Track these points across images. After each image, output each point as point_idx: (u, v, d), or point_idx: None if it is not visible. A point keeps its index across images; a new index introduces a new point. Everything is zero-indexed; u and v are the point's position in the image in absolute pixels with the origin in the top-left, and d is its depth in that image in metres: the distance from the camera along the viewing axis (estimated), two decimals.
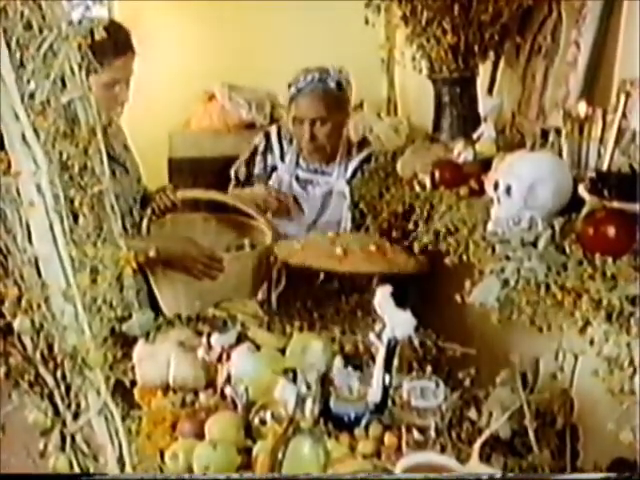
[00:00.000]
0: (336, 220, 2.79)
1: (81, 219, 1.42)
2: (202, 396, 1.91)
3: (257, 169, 2.92)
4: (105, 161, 1.69)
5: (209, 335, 2.04)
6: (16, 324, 1.22)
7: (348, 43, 3.63)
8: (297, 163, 2.84)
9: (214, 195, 2.68)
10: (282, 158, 2.87)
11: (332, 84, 2.74)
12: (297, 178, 2.85)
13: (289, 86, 2.80)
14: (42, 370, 1.24)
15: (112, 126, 2.54)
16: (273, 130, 2.99)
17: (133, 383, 1.92)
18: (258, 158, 2.92)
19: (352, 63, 3.80)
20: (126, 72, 2.41)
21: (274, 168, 2.88)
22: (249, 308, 2.25)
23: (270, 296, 2.56)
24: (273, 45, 3.83)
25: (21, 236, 1.22)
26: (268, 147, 2.91)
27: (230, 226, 2.67)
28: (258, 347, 2.02)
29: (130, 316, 2.06)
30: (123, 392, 1.69)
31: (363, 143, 2.95)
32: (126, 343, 2.03)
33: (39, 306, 1.22)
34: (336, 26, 3.78)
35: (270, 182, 2.88)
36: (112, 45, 2.28)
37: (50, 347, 1.23)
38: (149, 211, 2.52)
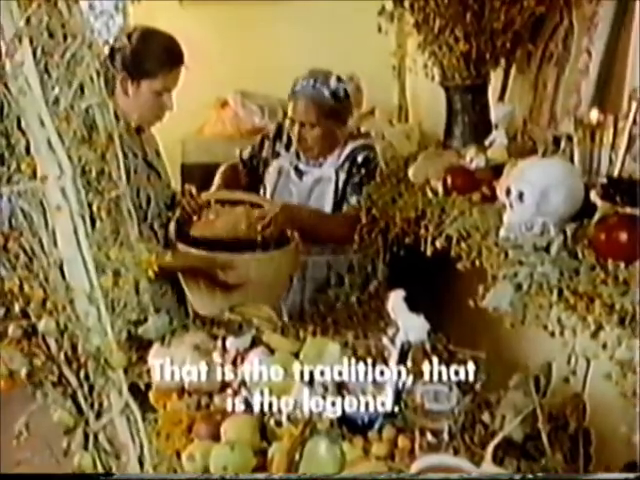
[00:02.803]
0: (321, 205, 2.82)
1: (98, 223, 1.45)
2: (217, 399, 1.93)
3: (265, 153, 2.97)
4: (122, 166, 1.71)
5: (224, 339, 2.06)
6: (41, 325, 1.24)
7: (360, 50, 3.66)
8: (298, 155, 2.88)
9: (240, 196, 2.70)
10: (287, 148, 2.92)
11: (326, 92, 2.74)
12: (297, 168, 2.89)
13: (293, 83, 2.84)
14: (66, 370, 1.26)
15: (146, 132, 2.61)
16: (286, 120, 3.01)
17: (148, 386, 1.94)
18: (267, 143, 2.97)
19: (364, 70, 3.85)
20: (176, 82, 2.51)
21: (279, 155, 2.92)
22: (263, 312, 2.27)
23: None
24: (286, 52, 3.86)
25: (47, 239, 1.24)
26: (278, 134, 2.95)
27: None
28: (272, 351, 2.04)
29: (146, 320, 2.08)
30: (138, 395, 1.71)
31: (357, 135, 2.98)
32: (141, 346, 2.05)
33: (64, 308, 1.24)
34: (349, 33, 3.81)
35: (270, 167, 2.92)
36: (171, 55, 2.44)
37: (74, 348, 1.26)
38: (177, 214, 2.55)
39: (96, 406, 1.29)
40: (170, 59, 2.45)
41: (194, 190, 2.67)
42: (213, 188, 2.95)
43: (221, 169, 3.03)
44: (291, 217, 2.66)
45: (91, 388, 1.28)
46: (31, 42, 1.27)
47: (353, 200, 2.76)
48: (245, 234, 2.52)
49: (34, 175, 1.24)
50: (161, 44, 2.44)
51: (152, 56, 2.39)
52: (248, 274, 2.44)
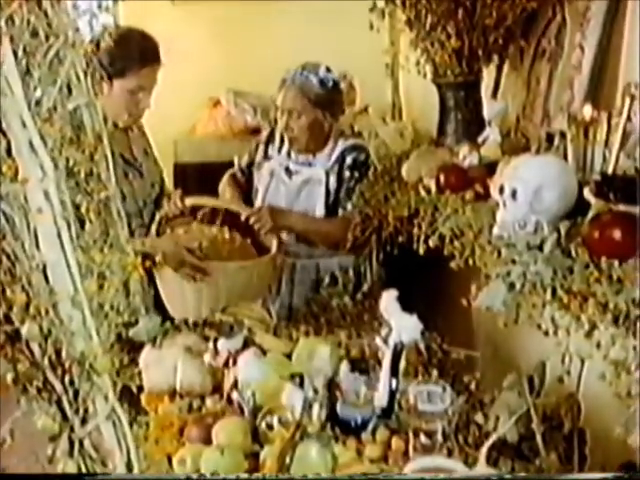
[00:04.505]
0: (312, 207, 2.80)
1: (87, 225, 1.43)
2: (209, 401, 1.91)
3: (258, 157, 2.97)
4: (111, 167, 1.69)
5: (216, 340, 2.05)
6: (24, 330, 1.22)
7: (353, 48, 3.64)
8: (289, 155, 2.87)
9: (223, 203, 2.69)
10: (280, 150, 2.91)
11: (314, 80, 2.74)
12: (287, 169, 2.88)
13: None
14: (50, 376, 1.24)
15: (134, 130, 2.59)
16: (278, 119, 3.00)
17: (140, 389, 1.92)
18: (261, 147, 2.97)
19: (357, 68, 3.83)
20: (151, 81, 2.49)
21: (271, 158, 2.92)
22: (256, 313, 2.25)
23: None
24: (278, 51, 3.83)
25: (29, 243, 1.22)
26: (271, 137, 2.95)
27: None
28: (264, 352, 2.03)
29: (137, 322, 2.06)
30: (130, 398, 1.70)
31: (349, 135, 2.97)
32: (133, 349, 2.04)
33: (47, 312, 1.22)
34: (341, 31, 3.79)
35: (262, 170, 2.91)
36: (141, 53, 2.43)
37: (58, 353, 1.24)
38: (158, 217, 2.53)
39: (81, 412, 1.27)
40: (141, 58, 2.43)
41: (179, 194, 2.65)
42: (227, 198, 2.92)
43: (224, 180, 3.00)
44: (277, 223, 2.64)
45: (76, 394, 1.26)
46: (12, 41, 1.25)
47: (349, 206, 2.74)
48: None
49: (16, 177, 1.22)
50: (131, 43, 2.41)
51: (122, 55, 2.36)
52: (217, 277, 2.41)
